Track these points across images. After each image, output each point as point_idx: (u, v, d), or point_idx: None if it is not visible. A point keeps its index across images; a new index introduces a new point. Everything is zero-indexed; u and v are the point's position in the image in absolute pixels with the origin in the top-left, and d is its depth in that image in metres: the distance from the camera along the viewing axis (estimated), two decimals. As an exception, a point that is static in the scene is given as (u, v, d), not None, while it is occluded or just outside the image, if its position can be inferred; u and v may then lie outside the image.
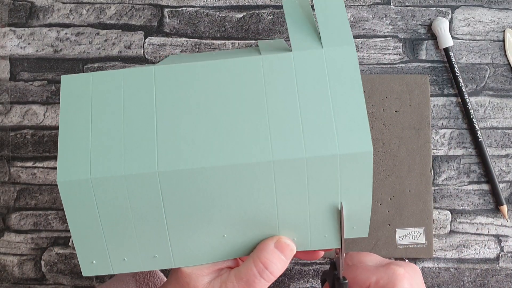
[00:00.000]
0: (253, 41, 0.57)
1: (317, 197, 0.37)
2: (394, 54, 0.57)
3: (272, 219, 0.37)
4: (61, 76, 0.39)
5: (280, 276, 0.56)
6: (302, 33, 0.39)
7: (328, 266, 0.57)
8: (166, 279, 0.50)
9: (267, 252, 0.38)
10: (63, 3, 0.57)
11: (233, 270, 0.39)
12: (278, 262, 0.38)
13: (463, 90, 0.56)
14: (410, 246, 0.55)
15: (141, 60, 0.57)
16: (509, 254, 0.56)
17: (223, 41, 0.57)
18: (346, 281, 0.40)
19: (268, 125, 0.36)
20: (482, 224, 0.56)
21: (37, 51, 0.57)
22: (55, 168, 0.57)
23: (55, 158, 0.57)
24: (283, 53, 0.37)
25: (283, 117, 0.36)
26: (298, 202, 0.37)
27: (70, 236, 0.57)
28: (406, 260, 0.56)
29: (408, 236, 0.55)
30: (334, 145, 0.35)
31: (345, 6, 0.57)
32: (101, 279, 0.57)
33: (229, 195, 0.36)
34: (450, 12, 0.57)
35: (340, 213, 0.37)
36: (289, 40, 0.56)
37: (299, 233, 0.38)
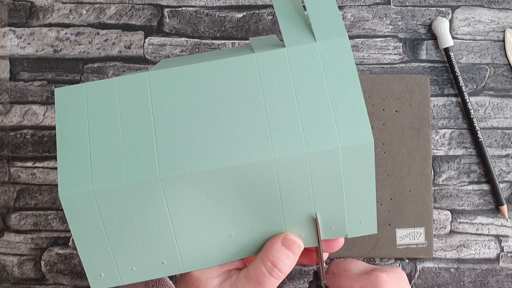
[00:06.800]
0: (253, 41, 0.57)
1: (321, 191, 0.37)
2: (394, 54, 0.57)
3: (277, 215, 0.37)
4: (55, 89, 0.38)
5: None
6: (294, 28, 0.38)
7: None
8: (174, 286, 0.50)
9: (275, 250, 0.38)
10: (63, 3, 0.57)
11: (242, 271, 0.38)
12: (286, 260, 0.38)
13: (463, 90, 0.56)
14: (410, 246, 0.55)
15: (141, 60, 0.57)
16: (509, 254, 0.56)
17: (223, 41, 0.57)
18: None
19: (267, 123, 0.36)
20: (482, 224, 0.56)
21: (37, 51, 0.57)
22: (55, 168, 0.57)
23: (55, 158, 0.57)
24: (276, 49, 0.37)
25: (282, 114, 0.36)
26: (303, 198, 0.37)
27: (70, 236, 0.57)
28: (407, 261, 0.56)
29: (408, 236, 0.55)
30: (334, 138, 0.35)
31: (345, 6, 0.57)
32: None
33: (233, 195, 0.36)
34: (450, 12, 0.57)
35: (316, 223, 0.37)
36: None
37: (305, 229, 0.38)
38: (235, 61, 0.37)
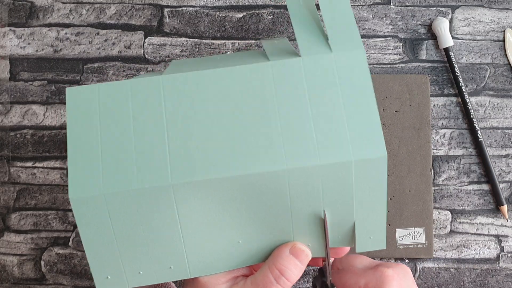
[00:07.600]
0: (253, 41, 0.57)
1: (331, 203, 0.36)
2: (394, 54, 0.57)
3: (287, 224, 0.37)
4: (66, 88, 0.37)
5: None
6: (309, 36, 0.38)
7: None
8: None
9: (283, 258, 0.37)
10: (63, 3, 0.57)
11: (249, 278, 0.38)
12: (294, 268, 0.37)
13: (463, 90, 0.56)
14: (410, 246, 0.55)
15: (141, 60, 0.57)
16: (509, 254, 0.56)
17: (223, 41, 0.57)
18: (335, 287, 0.39)
19: (280, 133, 0.35)
20: (482, 224, 0.56)
21: (37, 51, 0.57)
22: (55, 168, 0.57)
23: (55, 158, 0.57)
24: (292, 58, 0.37)
25: (295, 124, 0.35)
26: (313, 209, 0.36)
27: (70, 236, 0.57)
28: (407, 261, 0.56)
29: (408, 236, 0.55)
30: (347, 151, 0.35)
31: (345, 6, 0.57)
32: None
33: (243, 203, 0.36)
34: (450, 12, 0.57)
35: (324, 220, 0.37)
36: (292, 39, 0.56)
37: (314, 239, 0.38)
38: (250, 69, 0.37)
